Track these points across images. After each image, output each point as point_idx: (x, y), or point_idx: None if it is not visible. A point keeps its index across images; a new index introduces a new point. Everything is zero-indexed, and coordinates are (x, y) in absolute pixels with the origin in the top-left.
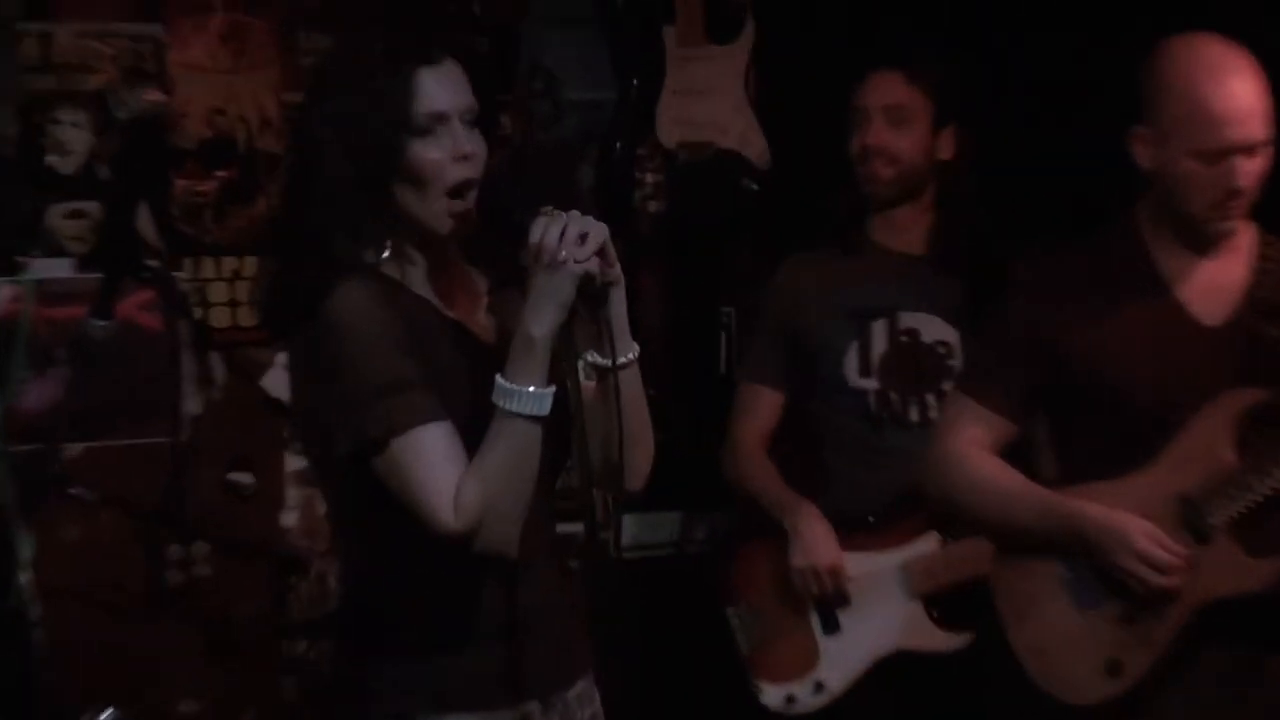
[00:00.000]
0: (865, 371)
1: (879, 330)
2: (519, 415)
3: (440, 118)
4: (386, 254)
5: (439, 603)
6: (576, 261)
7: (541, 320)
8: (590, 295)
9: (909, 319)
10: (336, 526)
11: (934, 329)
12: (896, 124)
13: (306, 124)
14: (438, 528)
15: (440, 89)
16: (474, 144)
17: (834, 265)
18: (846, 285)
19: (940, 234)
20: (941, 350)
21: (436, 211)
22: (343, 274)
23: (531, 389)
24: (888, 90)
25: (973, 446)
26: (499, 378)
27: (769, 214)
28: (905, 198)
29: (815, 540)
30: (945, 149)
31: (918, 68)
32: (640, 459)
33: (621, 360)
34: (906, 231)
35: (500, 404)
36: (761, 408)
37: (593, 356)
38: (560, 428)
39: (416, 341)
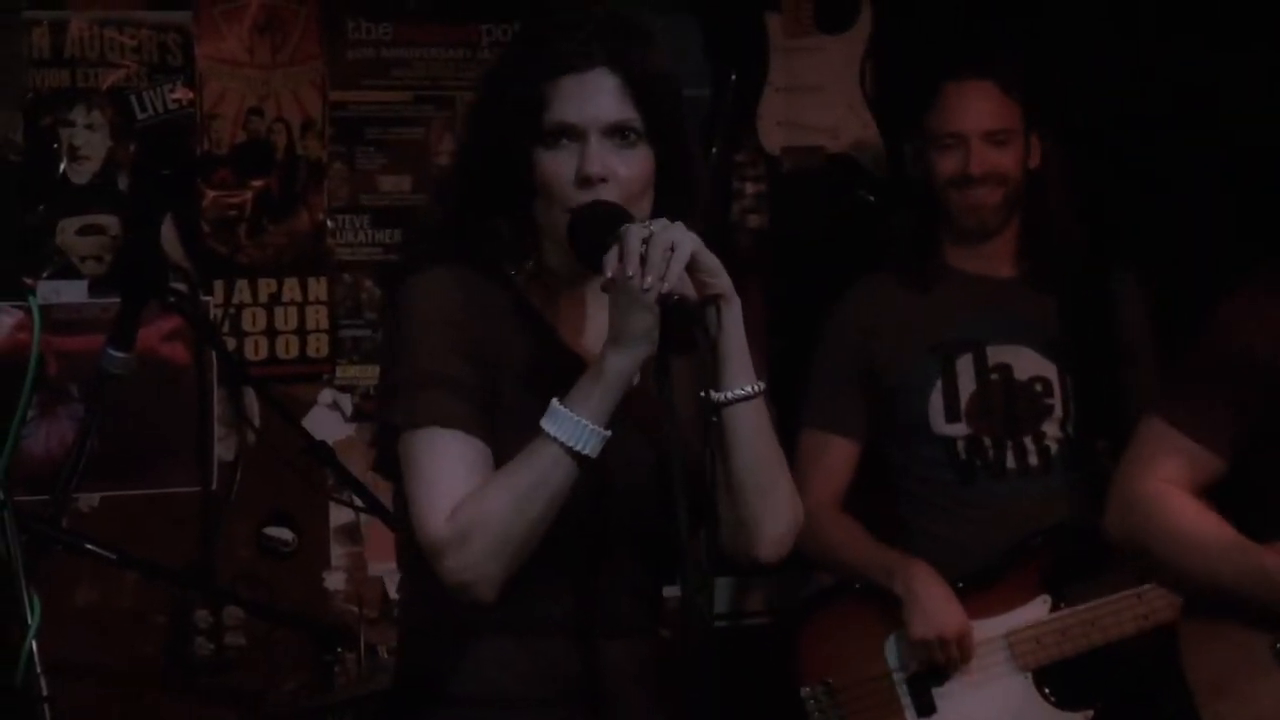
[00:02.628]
0: (953, 415)
1: (965, 367)
2: (557, 442)
3: (569, 130)
4: (522, 269)
5: (501, 666)
6: (658, 290)
7: (621, 353)
8: (684, 319)
9: (998, 353)
10: (401, 569)
11: (1027, 363)
12: (996, 144)
13: (465, 122)
14: (425, 535)
15: (576, 99)
16: (612, 166)
17: (907, 293)
18: (924, 316)
19: (1029, 251)
20: (1038, 388)
21: (556, 226)
22: (437, 262)
23: (581, 419)
24: (985, 112)
25: (1169, 484)
26: (554, 400)
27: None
28: (1008, 220)
29: (938, 605)
30: (1034, 155)
31: (1007, 72)
32: (768, 518)
33: (732, 394)
34: (991, 254)
35: (543, 424)
36: (833, 460)
37: (709, 392)
38: (658, 482)
39: (498, 354)
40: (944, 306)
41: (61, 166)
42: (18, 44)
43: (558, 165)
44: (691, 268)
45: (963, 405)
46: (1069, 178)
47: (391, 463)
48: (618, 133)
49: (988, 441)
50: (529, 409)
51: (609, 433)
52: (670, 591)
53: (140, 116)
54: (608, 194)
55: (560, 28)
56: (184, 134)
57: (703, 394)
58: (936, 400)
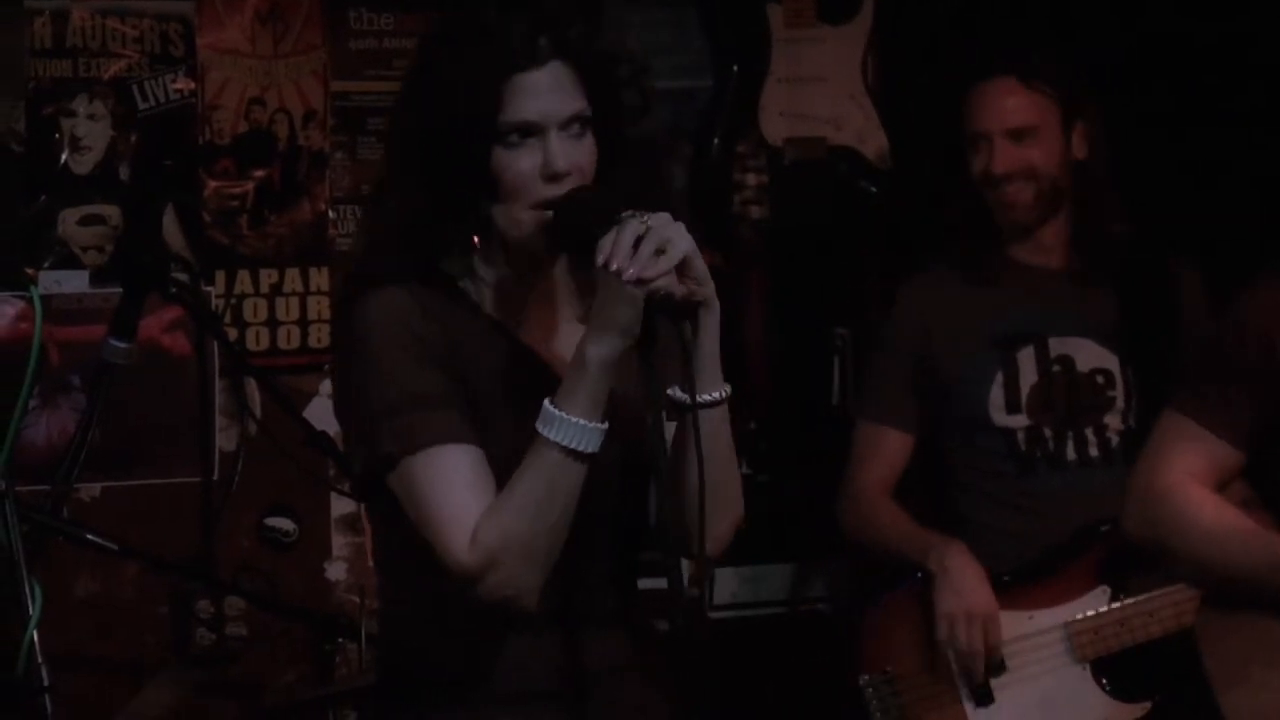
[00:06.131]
0: (1014, 407)
1: (1026, 359)
2: (558, 446)
3: (530, 128)
4: (470, 276)
5: (486, 660)
6: (643, 279)
7: (600, 343)
8: (670, 317)
9: (1060, 345)
10: (378, 569)
11: (1089, 355)
12: (1022, 140)
13: (396, 117)
14: (449, 560)
15: (534, 97)
16: (573, 159)
17: (967, 286)
18: (985, 309)
19: (1082, 243)
20: (1100, 380)
21: (522, 223)
22: (385, 281)
23: (576, 419)
24: (1005, 109)
25: (1188, 478)
26: (546, 401)
27: (890, 221)
28: (1049, 215)
29: (967, 582)
30: (1079, 148)
31: (1032, 66)
32: (718, 520)
33: (704, 398)
34: (1047, 246)
35: (540, 429)
36: (886, 451)
37: (674, 391)
38: (634, 473)
39: (465, 364)
40: (1004, 298)
41: (63, 157)
42: (19, 34)
43: (521, 163)
44: (681, 269)
45: (1023, 397)
46: (1116, 168)
47: (379, 488)
48: (572, 124)
49: (1048, 432)
50: (500, 413)
51: (605, 425)
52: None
53: (142, 106)
54: (570, 185)
55: (503, 18)
56: (186, 124)
57: (670, 393)
58: (997, 392)
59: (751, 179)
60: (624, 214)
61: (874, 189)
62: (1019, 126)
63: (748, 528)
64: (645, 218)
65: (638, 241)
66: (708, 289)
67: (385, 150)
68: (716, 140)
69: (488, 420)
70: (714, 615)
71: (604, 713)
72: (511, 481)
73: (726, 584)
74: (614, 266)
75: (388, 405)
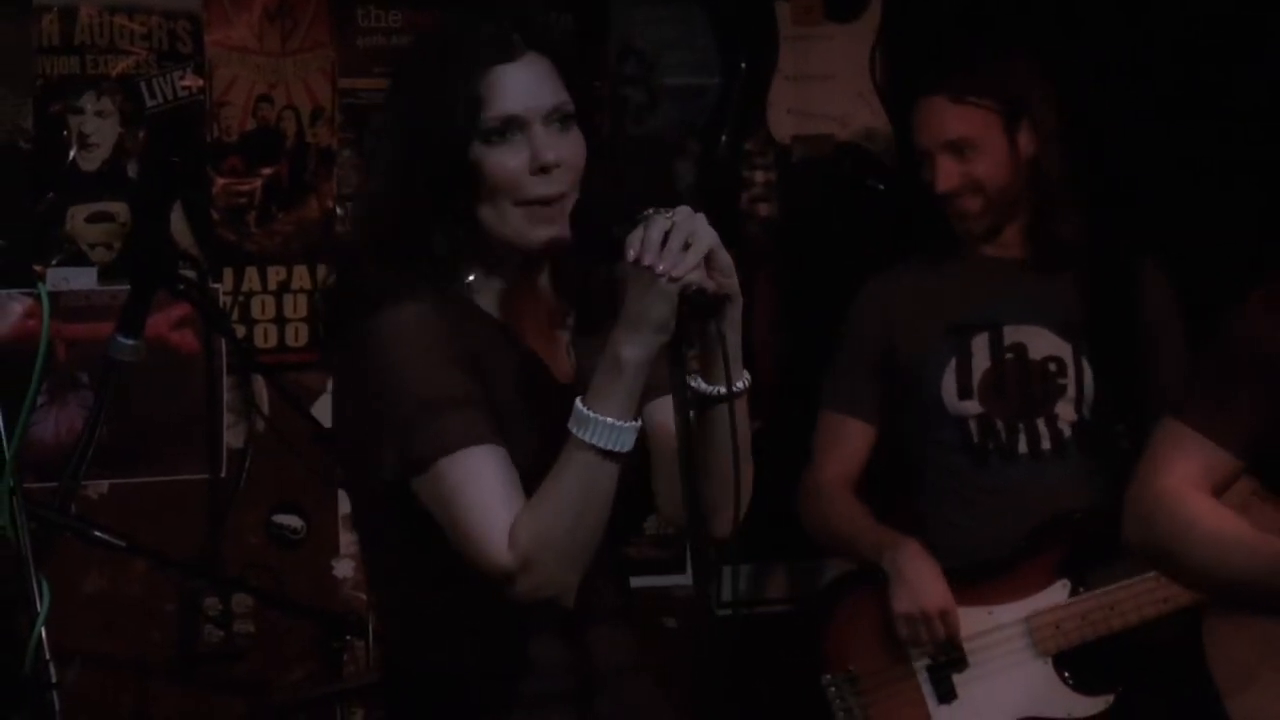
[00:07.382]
0: (965, 392)
1: (980, 346)
2: (593, 448)
3: (512, 121)
4: (470, 278)
5: (494, 662)
6: (673, 276)
7: (633, 341)
8: (697, 310)
9: (1014, 333)
10: (375, 577)
11: (1043, 343)
12: (963, 154)
13: (380, 124)
14: (486, 562)
15: (516, 89)
16: (561, 151)
17: (926, 276)
18: (941, 297)
19: (1037, 234)
20: (1053, 368)
21: (515, 225)
22: (400, 290)
23: (611, 420)
24: (939, 126)
25: (1188, 485)
26: (578, 401)
27: (898, 218)
28: (1004, 220)
29: (921, 581)
30: (1027, 146)
31: (958, 82)
32: (732, 508)
33: (735, 389)
34: (1007, 240)
35: (574, 431)
36: (848, 442)
37: (696, 382)
38: (639, 467)
39: (479, 366)
40: (962, 288)
41: (71, 154)
42: (26, 31)
43: (507, 158)
44: (707, 262)
45: (975, 382)
46: (1067, 161)
47: (386, 502)
48: (556, 117)
49: (1000, 424)
50: (513, 418)
51: (639, 423)
52: (673, 581)
53: (150, 104)
54: (560, 180)
55: (473, 19)
56: (193, 121)
57: (693, 384)
58: (949, 378)
59: (759, 176)
60: (646, 211)
61: (881, 186)
62: (955, 140)
63: (752, 526)
64: (669, 213)
65: (665, 236)
66: (733, 282)
67: (375, 154)
68: (724, 138)
69: (502, 425)
70: (719, 612)
71: (613, 711)
72: (546, 482)
73: (730, 582)
74: (646, 261)
75: (417, 408)
